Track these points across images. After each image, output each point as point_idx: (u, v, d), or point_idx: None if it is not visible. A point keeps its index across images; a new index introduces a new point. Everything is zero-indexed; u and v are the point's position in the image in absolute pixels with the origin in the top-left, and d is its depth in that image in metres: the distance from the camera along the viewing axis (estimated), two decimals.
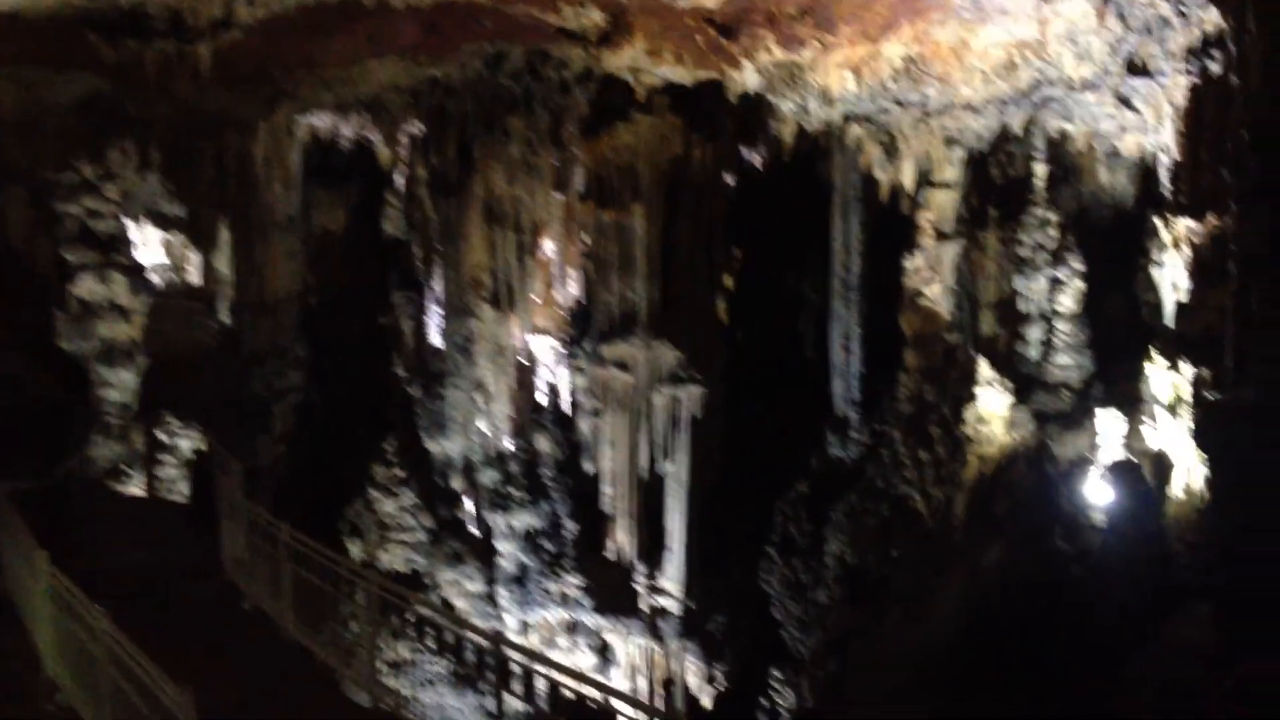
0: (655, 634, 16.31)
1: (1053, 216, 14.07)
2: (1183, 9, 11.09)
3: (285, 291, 20.08)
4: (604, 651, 16.86)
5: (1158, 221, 12.16)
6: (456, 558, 17.27)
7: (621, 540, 16.65)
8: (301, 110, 17.60)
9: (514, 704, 7.41)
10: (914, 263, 14.28)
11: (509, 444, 17.69)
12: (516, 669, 7.35)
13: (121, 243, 21.28)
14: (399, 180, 20.30)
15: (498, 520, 17.11)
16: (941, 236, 14.62)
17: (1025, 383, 13.66)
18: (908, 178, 14.97)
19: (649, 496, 16.60)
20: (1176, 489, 10.94)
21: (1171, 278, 12.31)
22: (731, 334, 18.54)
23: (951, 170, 14.85)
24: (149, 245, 22.19)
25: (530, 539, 16.90)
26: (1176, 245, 11.43)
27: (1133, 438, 12.24)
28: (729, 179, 17.89)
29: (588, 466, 17.33)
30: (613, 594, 16.49)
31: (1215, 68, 11.33)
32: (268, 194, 19.60)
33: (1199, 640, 9.50)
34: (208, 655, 7.76)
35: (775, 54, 13.05)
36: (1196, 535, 10.38)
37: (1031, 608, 10.95)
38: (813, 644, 13.75)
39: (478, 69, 16.42)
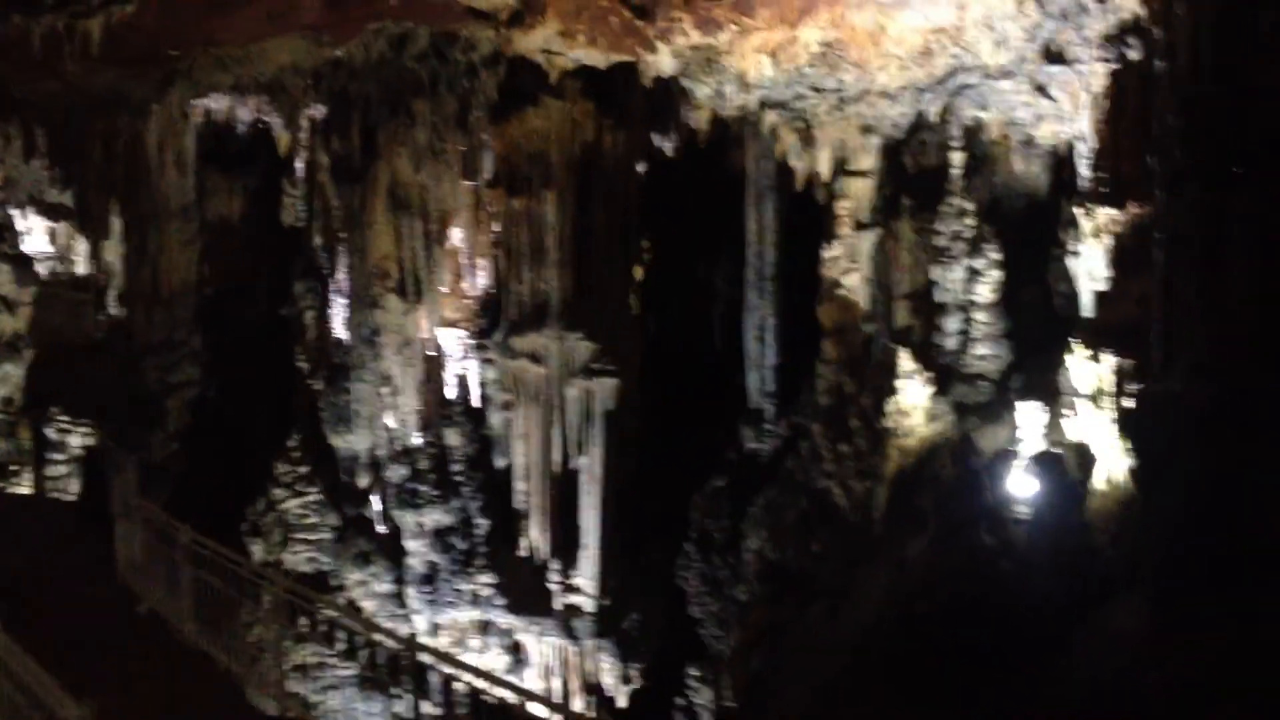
0: (569, 633, 15.91)
1: (970, 206, 13.96)
2: None
3: (180, 282, 19.36)
4: (516, 651, 16.43)
5: (1077, 210, 12.09)
6: (364, 557, 16.71)
7: (535, 537, 16.21)
8: (197, 92, 16.83)
9: (427, 709, 7.11)
10: (832, 252, 14.06)
11: (417, 439, 17.15)
12: (432, 673, 7.13)
13: (6, 230, 20.34)
14: (299, 166, 19.63)
15: (406, 518, 16.57)
16: (859, 226, 14.43)
17: (943, 374, 13.54)
18: (824, 166, 14.75)
19: (563, 492, 16.18)
20: (1098, 481, 10.87)
21: (1088, 267, 12.26)
22: (643, 325, 18.21)
23: (868, 159, 14.67)
24: (34, 234, 21.30)
25: (440, 537, 16.40)
26: (1097, 234, 11.36)
27: (1053, 429, 12.16)
28: (640, 167, 17.54)
29: (499, 462, 16.87)
30: (526, 593, 16.06)
31: (1134, 54, 11.28)
32: (160, 180, 18.87)
33: (1129, 631, 9.46)
34: (101, 662, 7.42)
35: (692, 37, 12.71)
36: (1120, 526, 10.32)
37: (958, 601, 10.83)
38: (733, 641, 13.50)
39: (382, 50, 15.86)
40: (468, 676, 6.55)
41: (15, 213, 20.45)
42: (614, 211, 16.88)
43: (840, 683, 11.88)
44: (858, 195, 14.61)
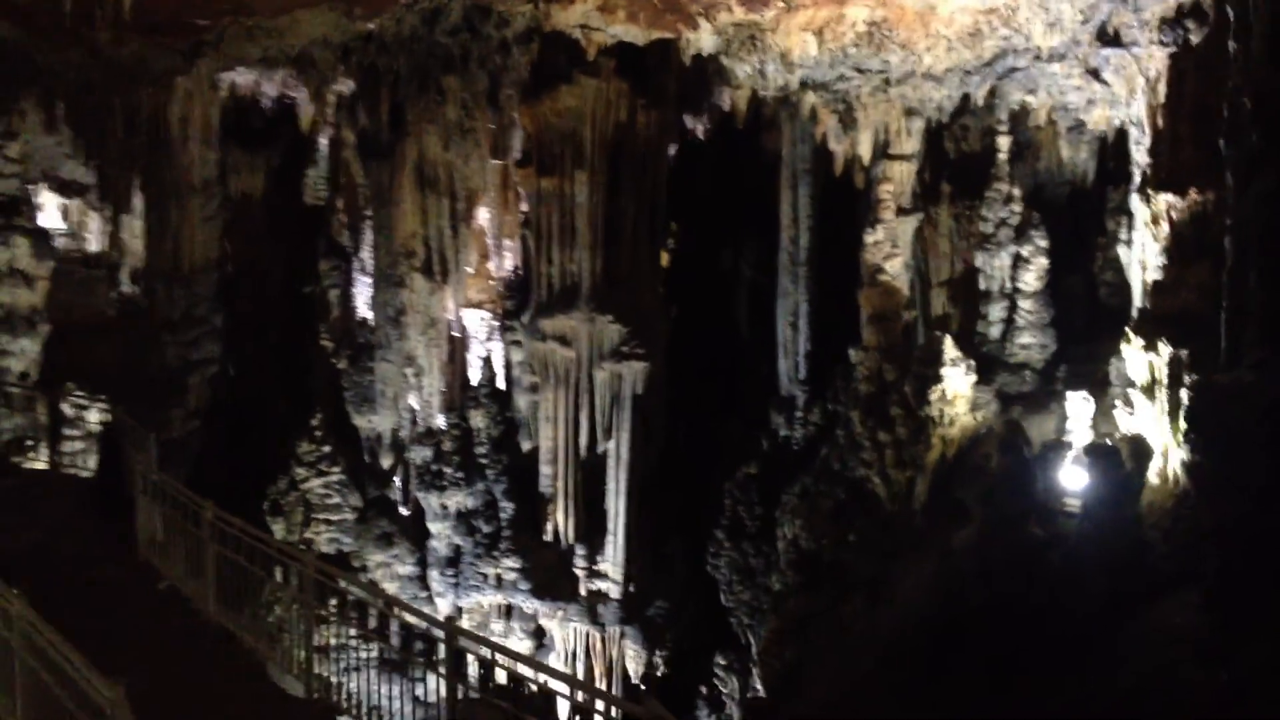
0: (594, 619, 15.67)
1: (1016, 192, 13.68)
2: None
3: (201, 258, 19.09)
4: (540, 636, 16.20)
5: (1133, 197, 11.80)
6: (386, 539, 16.47)
7: (560, 522, 15.97)
8: (224, 64, 16.56)
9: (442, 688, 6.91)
10: (874, 237, 13.77)
11: (441, 420, 16.90)
12: (471, 656, 6.96)
13: (24, 204, 20.08)
14: (323, 143, 19.38)
15: (430, 500, 16.32)
16: (901, 211, 14.15)
17: (986, 363, 13.28)
18: (865, 149, 14.49)
19: (589, 476, 15.93)
20: (1151, 474, 10.60)
21: (1140, 256, 11.99)
22: (669, 309, 17.96)
23: (910, 142, 14.40)
24: (47, 210, 21.05)
25: (464, 520, 16.14)
26: (1155, 221, 11.07)
27: (1102, 421, 11.90)
28: (671, 148, 17.28)
29: (524, 444, 16.62)
30: (550, 577, 15.81)
31: (1194, 38, 11.00)
32: (184, 155, 18.58)
33: (1182, 630, 9.19)
34: (124, 640, 7.18)
35: (736, 13, 12.47)
36: (1174, 522, 10.05)
37: (1005, 594, 10.55)
38: (765, 631, 13.25)
39: (414, 24, 15.58)
40: (508, 662, 6.35)
41: (31, 188, 20.20)
42: (644, 193, 16.59)
43: (877, 676, 11.64)
44: (899, 179, 14.32)
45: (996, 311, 13.60)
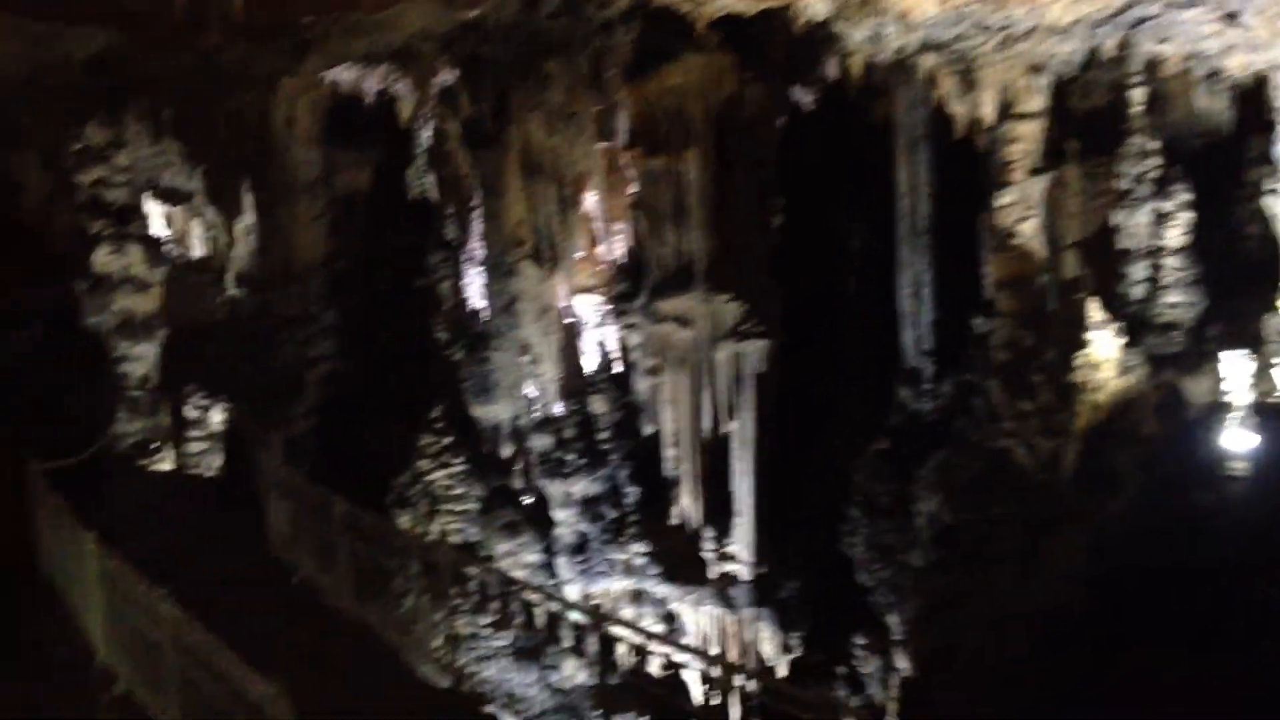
0: (726, 602, 15.51)
1: (1153, 145, 13.15)
2: None
3: (311, 257, 19.22)
4: (671, 621, 16.08)
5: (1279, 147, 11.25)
6: (511, 528, 16.45)
7: (686, 505, 15.83)
8: (328, 62, 16.59)
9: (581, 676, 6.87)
10: (1005, 200, 13.34)
11: (559, 408, 16.82)
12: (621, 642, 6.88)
13: (134, 213, 20.38)
14: (425, 136, 19.37)
15: (553, 487, 16.28)
16: (1031, 172, 13.68)
17: (1130, 324, 12.79)
18: (988, 109, 14.02)
19: (713, 458, 15.75)
20: None
21: None
22: (781, 284, 17.63)
23: (1036, 100, 13.88)
24: (151, 219, 21.38)
25: (589, 506, 16.07)
26: None
27: (1261, 380, 11.39)
28: (780, 120, 16.95)
29: (645, 428, 16.47)
30: (679, 561, 15.68)
31: None
32: (289, 157, 18.70)
33: None
34: (266, 635, 7.18)
35: None
36: None
37: (1166, 565, 10.16)
38: (909, 609, 12.96)
39: (514, 10, 15.44)
40: (664, 648, 6.25)
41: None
42: (754, 168, 16.34)
43: (1034, 652, 11.30)
44: (1026, 139, 13.84)
45: (1139, 271, 13.10)
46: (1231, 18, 12.15)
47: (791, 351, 16.42)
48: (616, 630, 7.03)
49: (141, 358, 19.75)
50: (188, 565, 8.82)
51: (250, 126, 18.51)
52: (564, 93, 16.72)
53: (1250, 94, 13.14)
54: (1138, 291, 13.13)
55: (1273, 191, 11.78)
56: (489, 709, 7.29)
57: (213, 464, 20.11)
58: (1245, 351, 11.69)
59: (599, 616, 6.60)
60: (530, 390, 17.11)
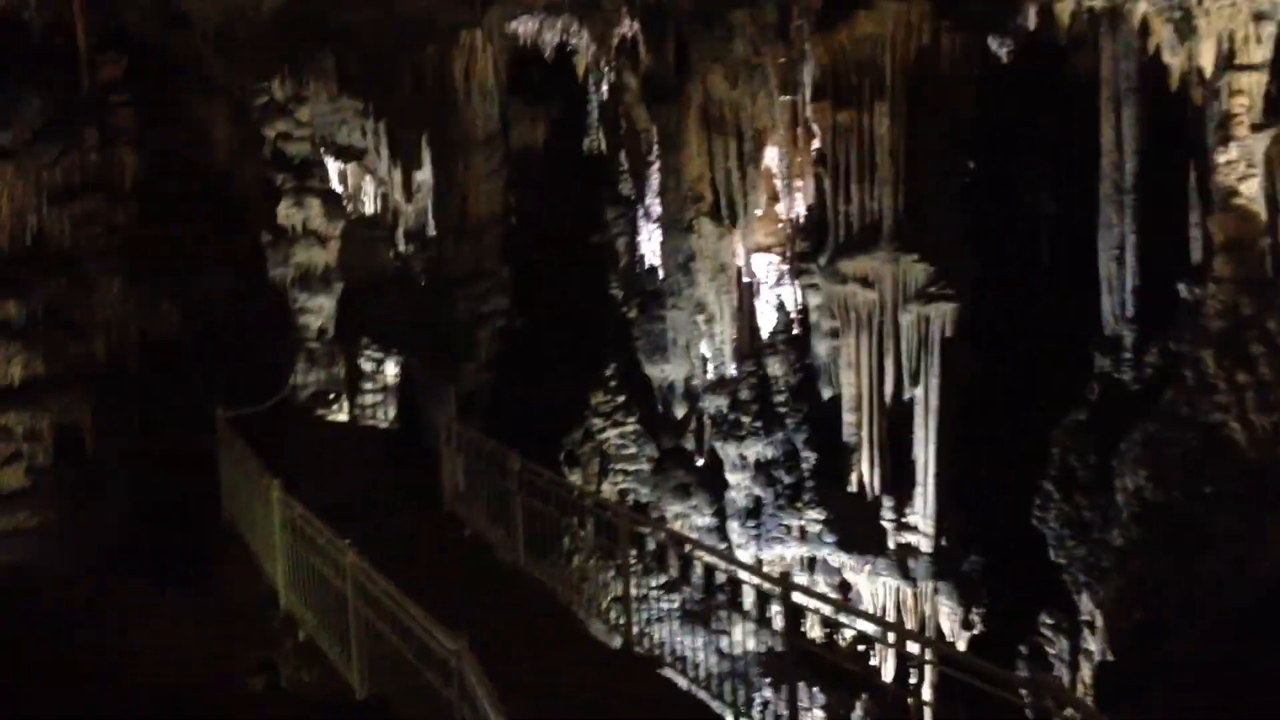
0: (904, 573, 14.97)
1: None
2: None
3: (487, 212, 19.33)
4: (845, 591, 15.62)
5: None
6: (683, 490, 16.24)
7: (865, 472, 15.31)
8: (509, 13, 16.52)
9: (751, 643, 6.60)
10: (1227, 156, 12.37)
11: (734, 368, 16.47)
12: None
13: (316, 166, 20.74)
14: (603, 89, 19.18)
15: (727, 450, 15.96)
16: (1254, 127, 12.66)
17: None
18: (1207, 60, 13.01)
19: (895, 424, 15.18)
20: None
21: None
22: (972, 246, 16.86)
23: (1261, 50, 12.82)
24: (330, 174, 21.77)
25: (764, 470, 15.71)
26: None
27: None
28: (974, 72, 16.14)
29: (825, 392, 15.99)
30: (856, 530, 15.19)
31: None
32: (468, 111, 18.78)
33: None
34: (444, 588, 7.11)
35: None
36: None
37: None
38: (1109, 590, 12.23)
39: None
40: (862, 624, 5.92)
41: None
42: (946, 123, 15.59)
43: (1248, 643, 10.52)
44: (1250, 92, 12.80)
45: None
46: None
47: (981, 316, 15.69)
48: (802, 599, 6.69)
49: (319, 310, 20.17)
50: (364, 517, 8.92)
51: (430, 80, 18.66)
52: (748, 44, 16.28)
53: None
54: None
55: None
56: (663, 671, 7.09)
57: (387, 415, 20.48)
58: None
59: (788, 585, 6.27)
60: (705, 350, 16.81)
